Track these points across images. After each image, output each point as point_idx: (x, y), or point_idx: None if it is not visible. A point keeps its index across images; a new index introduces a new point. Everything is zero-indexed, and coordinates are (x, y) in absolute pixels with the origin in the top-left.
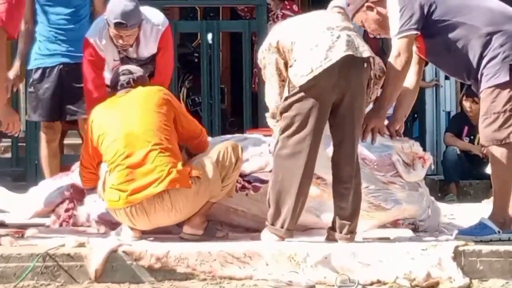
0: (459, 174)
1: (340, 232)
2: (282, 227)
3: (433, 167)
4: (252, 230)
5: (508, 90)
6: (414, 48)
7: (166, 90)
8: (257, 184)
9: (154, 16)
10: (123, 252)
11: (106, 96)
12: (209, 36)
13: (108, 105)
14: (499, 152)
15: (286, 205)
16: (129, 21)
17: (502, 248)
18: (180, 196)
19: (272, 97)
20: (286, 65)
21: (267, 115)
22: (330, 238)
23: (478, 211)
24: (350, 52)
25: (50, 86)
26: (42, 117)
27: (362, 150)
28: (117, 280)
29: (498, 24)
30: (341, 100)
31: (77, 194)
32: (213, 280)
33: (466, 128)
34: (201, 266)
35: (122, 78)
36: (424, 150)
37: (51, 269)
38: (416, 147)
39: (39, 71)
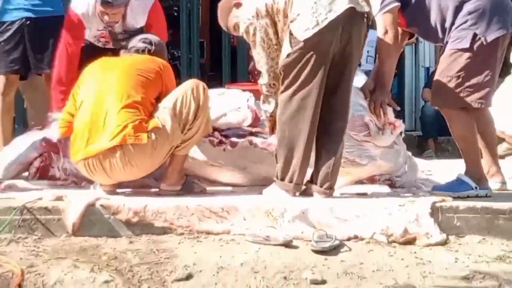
0: (437, 130)
1: (321, 186)
2: (291, 181)
3: (403, 134)
4: (229, 185)
5: (466, 56)
6: None
7: (165, 65)
8: (235, 139)
9: None
10: (101, 206)
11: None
12: None
13: (98, 67)
14: (452, 114)
15: (295, 159)
16: (115, 0)
17: (479, 204)
18: (136, 152)
19: (263, 65)
20: (275, 26)
21: (262, 82)
22: (308, 192)
23: (456, 167)
24: (352, 5)
25: (12, 39)
26: (4, 68)
27: None
28: (94, 233)
29: None
30: (341, 52)
31: (51, 147)
32: (191, 234)
33: None
34: (179, 220)
35: (140, 44)
36: (403, 105)
37: (29, 223)
38: (389, 112)
39: (2, 25)
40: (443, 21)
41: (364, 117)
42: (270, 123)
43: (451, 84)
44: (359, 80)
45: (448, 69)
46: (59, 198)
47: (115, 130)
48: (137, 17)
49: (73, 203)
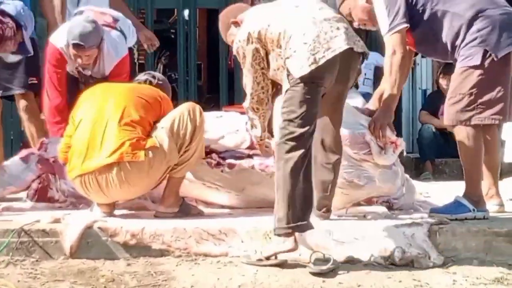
0: (434, 152)
1: (319, 210)
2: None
3: (405, 153)
4: (227, 207)
5: (477, 73)
6: None
7: (165, 96)
8: (233, 161)
9: (117, 41)
10: (98, 228)
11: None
12: (186, 12)
13: (99, 89)
14: (464, 132)
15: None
16: (87, 43)
17: (476, 226)
18: (133, 169)
19: (249, 89)
20: (266, 53)
21: (245, 105)
22: None
23: (454, 189)
24: (350, 45)
25: None
26: None
27: None
28: (92, 256)
29: (479, 8)
30: (335, 90)
31: (48, 168)
32: (188, 256)
33: (442, 107)
34: (176, 242)
35: (142, 77)
36: (400, 127)
37: (26, 245)
38: (389, 131)
39: None
40: (452, 38)
41: (365, 135)
42: (260, 146)
43: (464, 102)
44: (356, 101)
45: (460, 87)
46: (56, 221)
47: (113, 147)
48: (105, 67)
49: (70, 226)
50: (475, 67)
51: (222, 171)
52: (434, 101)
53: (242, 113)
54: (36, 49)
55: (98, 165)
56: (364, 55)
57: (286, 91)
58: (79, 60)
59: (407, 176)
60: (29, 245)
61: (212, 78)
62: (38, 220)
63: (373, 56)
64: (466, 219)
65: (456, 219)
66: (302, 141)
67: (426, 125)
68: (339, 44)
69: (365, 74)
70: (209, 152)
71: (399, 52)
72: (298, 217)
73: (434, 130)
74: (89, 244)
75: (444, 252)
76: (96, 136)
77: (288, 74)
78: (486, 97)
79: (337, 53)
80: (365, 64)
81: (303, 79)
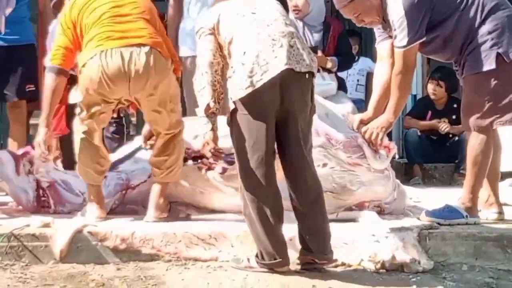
0: (421, 156)
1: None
2: (275, 258)
3: (397, 156)
4: (217, 211)
5: (493, 78)
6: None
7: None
8: (224, 165)
9: None
10: (88, 232)
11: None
12: None
13: None
14: (478, 139)
15: (271, 235)
16: None
17: (466, 231)
18: (161, 61)
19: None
20: (220, 46)
21: (198, 110)
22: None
23: (443, 194)
24: (289, 66)
25: None
26: None
27: (328, 130)
28: (82, 260)
29: (488, 11)
30: (285, 118)
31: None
32: (178, 261)
33: (429, 113)
34: (166, 247)
35: None
36: (390, 133)
37: (16, 249)
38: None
39: None
40: (460, 39)
41: (358, 138)
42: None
43: (483, 107)
44: (346, 106)
45: (477, 93)
46: (46, 225)
47: (143, 33)
48: None
49: (60, 230)
50: (490, 72)
51: (213, 176)
52: (421, 107)
53: None
54: (34, 55)
55: (129, 41)
56: (311, 74)
57: (230, 116)
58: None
59: (398, 181)
60: (18, 250)
61: None
62: (28, 225)
63: (366, 62)
64: (458, 224)
65: (449, 225)
66: (257, 171)
67: (411, 129)
68: (278, 65)
69: (358, 80)
70: (200, 157)
71: (411, 71)
72: (271, 254)
73: (419, 133)
74: (79, 249)
75: (434, 257)
76: (121, 22)
77: (230, 95)
78: (504, 101)
79: (274, 75)
80: (358, 70)
81: (243, 103)
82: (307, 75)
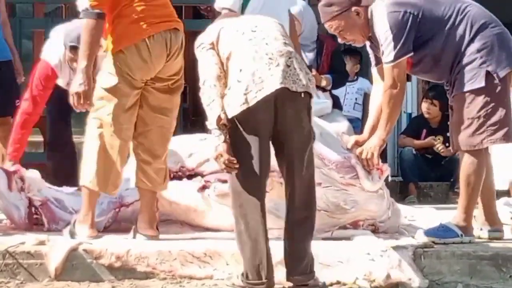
0: (417, 175)
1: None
2: (260, 278)
3: (390, 179)
4: (212, 230)
5: (483, 96)
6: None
7: None
8: (218, 184)
9: None
10: (83, 250)
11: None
12: None
13: None
14: (470, 158)
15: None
16: None
17: (461, 250)
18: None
19: (204, 72)
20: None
21: (209, 123)
22: None
23: (438, 213)
24: (285, 85)
25: None
26: None
27: (321, 149)
28: (77, 278)
29: (476, 29)
30: (280, 137)
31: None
32: (173, 279)
33: (424, 131)
34: (161, 265)
35: None
36: (385, 151)
37: (11, 267)
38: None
39: None
40: (451, 58)
41: (351, 159)
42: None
43: (474, 126)
44: (340, 125)
45: (467, 111)
46: (41, 243)
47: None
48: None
49: (55, 248)
50: (480, 90)
51: (208, 194)
52: (416, 126)
53: None
54: (12, 71)
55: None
56: (309, 95)
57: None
58: (74, 64)
59: (393, 200)
60: (13, 267)
61: (197, 101)
62: (23, 242)
63: (364, 83)
64: (453, 243)
65: (444, 243)
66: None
67: (406, 147)
68: (273, 84)
69: (356, 99)
70: (194, 175)
71: (400, 86)
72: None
73: (414, 152)
74: (74, 267)
75: (429, 276)
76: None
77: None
78: (494, 118)
79: (269, 93)
80: (357, 89)
81: (238, 120)
82: (302, 95)
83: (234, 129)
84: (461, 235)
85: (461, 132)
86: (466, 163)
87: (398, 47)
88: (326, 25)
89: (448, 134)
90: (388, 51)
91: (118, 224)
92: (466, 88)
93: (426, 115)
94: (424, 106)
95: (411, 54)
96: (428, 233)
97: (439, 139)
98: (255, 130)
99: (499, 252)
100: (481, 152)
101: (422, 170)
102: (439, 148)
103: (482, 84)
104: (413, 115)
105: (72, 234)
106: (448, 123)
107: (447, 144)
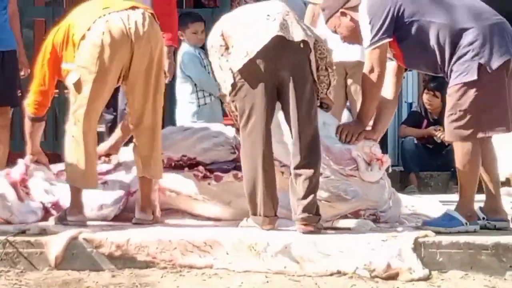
0: (418, 165)
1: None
2: (260, 214)
3: (390, 170)
4: (213, 219)
5: (475, 88)
6: (392, 58)
7: None
8: (219, 173)
9: None
10: (84, 239)
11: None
12: None
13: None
14: (464, 149)
15: (258, 193)
16: None
17: (462, 239)
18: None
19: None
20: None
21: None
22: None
23: (439, 202)
24: (281, 34)
25: None
26: None
27: (322, 141)
28: (77, 267)
29: (468, 21)
30: (286, 86)
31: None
32: (173, 268)
33: (425, 121)
34: (162, 254)
35: None
36: (386, 141)
37: (11, 256)
38: (375, 148)
39: None
40: (442, 50)
41: (352, 151)
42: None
43: (466, 118)
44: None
45: (459, 104)
46: (41, 232)
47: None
48: None
49: (55, 237)
50: (472, 83)
51: (209, 183)
52: (417, 117)
53: (227, 125)
54: (16, 61)
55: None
56: (305, 43)
57: (232, 86)
58: None
59: (393, 189)
60: (14, 256)
61: None
62: (24, 231)
63: None
64: (459, 232)
65: (450, 233)
66: (254, 139)
67: (408, 137)
68: (270, 33)
69: None
70: (195, 164)
71: (377, 70)
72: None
73: (415, 141)
74: (74, 256)
75: (429, 265)
76: None
77: (231, 70)
78: (487, 110)
79: (266, 43)
80: None
81: (241, 73)
82: (301, 44)
83: (239, 82)
84: (466, 223)
85: (452, 123)
86: (460, 154)
87: (374, 31)
88: (327, 26)
89: None
90: (366, 36)
91: (127, 212)
92: (459, 81)
93: (427, 107)
94: (426, 97)
95: (389, 39)
96: (432, 223)
97: (440, 129)
98: (258, 79)
99: (500, 242)
100: (474, 140)
101: (423, 160)
102: (441, 137)
103: (475, 77)
104: (413, 105)
105: (62, 220)
106: None
107: None
